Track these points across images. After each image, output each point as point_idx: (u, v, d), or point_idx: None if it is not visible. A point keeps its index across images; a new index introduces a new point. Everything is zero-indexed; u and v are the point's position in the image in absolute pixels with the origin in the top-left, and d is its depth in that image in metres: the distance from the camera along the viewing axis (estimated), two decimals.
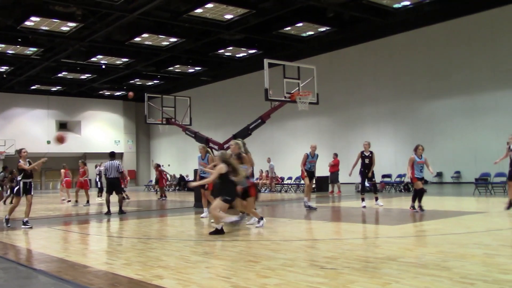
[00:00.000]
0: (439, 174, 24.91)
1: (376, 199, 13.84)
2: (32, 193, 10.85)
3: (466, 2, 23.02)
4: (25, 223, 10.62)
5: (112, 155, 14.61)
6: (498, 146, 21.71)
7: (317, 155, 13.70)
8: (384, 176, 22.26)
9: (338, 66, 29.79)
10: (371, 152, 13.67)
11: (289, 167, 30.17)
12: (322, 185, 22.82)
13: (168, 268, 5.84)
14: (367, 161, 13.58)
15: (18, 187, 10.73)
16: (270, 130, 30.82)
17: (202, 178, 11.32)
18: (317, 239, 7.88)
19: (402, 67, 26.88)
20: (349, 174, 14.11)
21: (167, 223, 11.54)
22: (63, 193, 21.29)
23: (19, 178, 10.74)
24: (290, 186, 26.04)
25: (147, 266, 5.99)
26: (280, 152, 32.45)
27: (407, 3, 23.65)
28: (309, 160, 13.37)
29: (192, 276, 5.35)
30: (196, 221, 11.45)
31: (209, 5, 22.86)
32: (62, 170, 20.74)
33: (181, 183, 32.05)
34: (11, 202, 14.14)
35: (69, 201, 19.91)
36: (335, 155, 21.47)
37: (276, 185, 26.41)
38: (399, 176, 21.93)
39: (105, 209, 14.17)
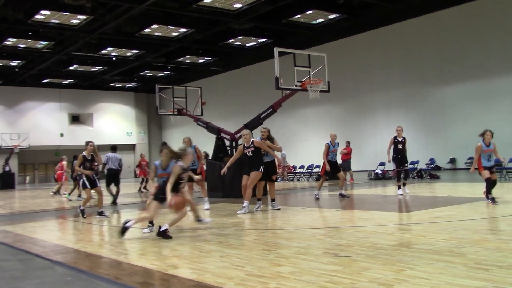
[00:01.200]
0: (453, 160, 24.76)
1: (404, 185, 13.32)
2: (98, 185, 11.03)
3: None
4: (100, 213, 10.79)
5: (114, 148, 15.01)
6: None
7: (338, 143, 13.33)
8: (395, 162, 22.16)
9: (349, 53, 29.59)
10: (404, 138, 13.25)
11: (301, 156, 30.17)
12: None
13: (183, 258, 5.89)
14: (400, 146, 13.15)
15: (82, 180, 10.96)
16: (282, 119, 30.76)
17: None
18: (330, 227, 7.89)
19: (413, 53, 26.63)
20: (388, 161, 13.51)
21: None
22: (64, 186, 19.88)
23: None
24: (302, 175, 26.04)
25: (162, 256, 6.05)
26: (292, 141, 32.42)
27: None
28: (331, 150, 13.02)
29: (206, 265, 5.39)
30: (209, 211, 11.51)
31: None
32: (64, 163, 19.76)
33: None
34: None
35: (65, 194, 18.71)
36: (348, 143, 21.41)
37: (289, 174, 26.43)
38: (412, 163, 21.82)
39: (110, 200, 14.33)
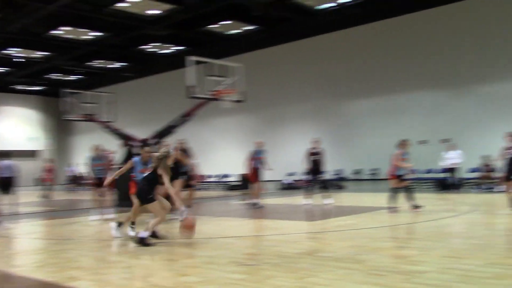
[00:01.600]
0: (358, 171, 25.88)
1: (324, 197, 13.41)
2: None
3: (385, 7, 24.03)
4: None
5: (5, 155, 14.30)
6: (412, 143, 22.94)
7: (263, 151, 13.41)
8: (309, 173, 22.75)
9: (264, 64, 30.14)
10: (320, 149, 13.37)
11: (214, 165, 30.18)
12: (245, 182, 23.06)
13: (84, 269, 5.68)
14: (315, 157, 13.27)
15: None
16: (196, 127, 30.58)
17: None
18: (237, 236, 7.95)
19: (325, 67, 27.64)
20: (305, 171, 13.59)
21: (84, 224, 11.13)
22: None
23: None
24: (215, 184, 26.07)
25: (61, 268, 5.78)
26: (206, 150, 32.33)
27: (332, 4, 24.33)
28: (256, 157, 13.17)
29: (109, 276, 5.23)
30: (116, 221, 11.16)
31: (134, 0, 22.36)
32: None
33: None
34: None
35: None
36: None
37: (200, 183, 26.28)
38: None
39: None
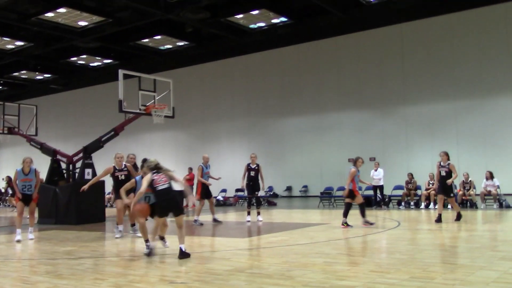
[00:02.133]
0: (289, 188, 26.26)
1: (258, 213, 13.38)
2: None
3: (314, 28, 24.80)
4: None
5: None
6: (341, 161, 23.65)
7: (209, 166, 13.42)
8: (238, 190, 22.83)
9: (196, 80, 30.09)
10: (258, 165, 13.33)
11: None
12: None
13: None
14: (253, 173, 13.25)
15: None
16: (125, 142, 29.91)
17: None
18: (168, 254, 7.80)
19: (256, 85, 27.99)
20: (241, 187, 13.92)
21: (5, 241, 10.51)
22: None
23: None
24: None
25: None
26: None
27: (262, 24, 24.80)
28: (205, 172, 13.16)
29: None
30: (38, 238, 10.64)
31: (62, 10, 21.71)
32: None
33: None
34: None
35: None
36: (190, 169, 21.55)
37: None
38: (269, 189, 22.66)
39: None
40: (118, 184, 10.01)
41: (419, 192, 17.74)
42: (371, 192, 18.06)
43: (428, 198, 16.94)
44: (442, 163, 11.73)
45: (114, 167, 10.27)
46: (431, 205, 16.63)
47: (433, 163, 21.80)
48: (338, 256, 7.21)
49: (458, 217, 11.68)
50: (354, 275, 5.69)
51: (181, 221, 7.36)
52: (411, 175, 18.03)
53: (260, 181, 13.37)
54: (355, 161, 11.49)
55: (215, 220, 13.20)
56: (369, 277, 5.53)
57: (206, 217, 13.73)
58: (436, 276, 5.50)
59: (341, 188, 18.90)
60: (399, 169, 21.27)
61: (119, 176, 10.19)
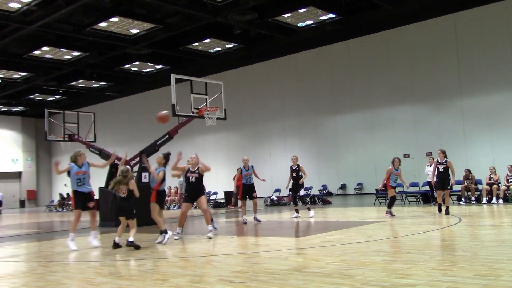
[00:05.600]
0: (343, 186, 25.96)
1: (308, 209, 14.25)
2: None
3: (363, 23, 24.41)
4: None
5: None
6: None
7: (251, 167, 13.64)
8: (290, 189, 22.70)
9: (246, 82, 30.27)
10: (298, 166, 14.03)
11: None
12: (231, 199, 22.94)
13: None
14: (294, 174, 13.95)
15: None
16: (179, 145, 30.50)
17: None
18: (225, 254, 7.88)
19: (306, 83, 27.85)
20: (286, 187, 14.37)
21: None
22: None
23: None
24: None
25: None
26: None
27: (310, 22, 24.64)
28: (244, 174, 13.44)
29: None
30: (101, 240, 11.00)
31: (114, 19, 22.38)
32: None
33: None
34: None
35: None
36: (240, 170, 21.69)
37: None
38: (306, 189, 22.52)
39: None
40: (189, 185, 10.14)
41: (480, 186, 17.10)
42: (427, 189, 17.56)
43: (490, 192, 16.31)
44: (439, 161, 13.05)
45: (189, 168, 10.32)
46: (494, 200, 16.01)
47: (494, 156, 21.06)
48: (397, 254, 7.05)
49: (447, 211, 12.67)
50: (415, 273, 5.54)
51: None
52: (468, 171, 17.39)
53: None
54: (392, 161, 12.86)
55: (255, 218, 13.46)
56: (431, 275, 5.37)
57: (258, 217, 13.76)
58: (503, 273, 5.27)
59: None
60: (458, 164, 20.53)
61: (190, 177, 10.23)
